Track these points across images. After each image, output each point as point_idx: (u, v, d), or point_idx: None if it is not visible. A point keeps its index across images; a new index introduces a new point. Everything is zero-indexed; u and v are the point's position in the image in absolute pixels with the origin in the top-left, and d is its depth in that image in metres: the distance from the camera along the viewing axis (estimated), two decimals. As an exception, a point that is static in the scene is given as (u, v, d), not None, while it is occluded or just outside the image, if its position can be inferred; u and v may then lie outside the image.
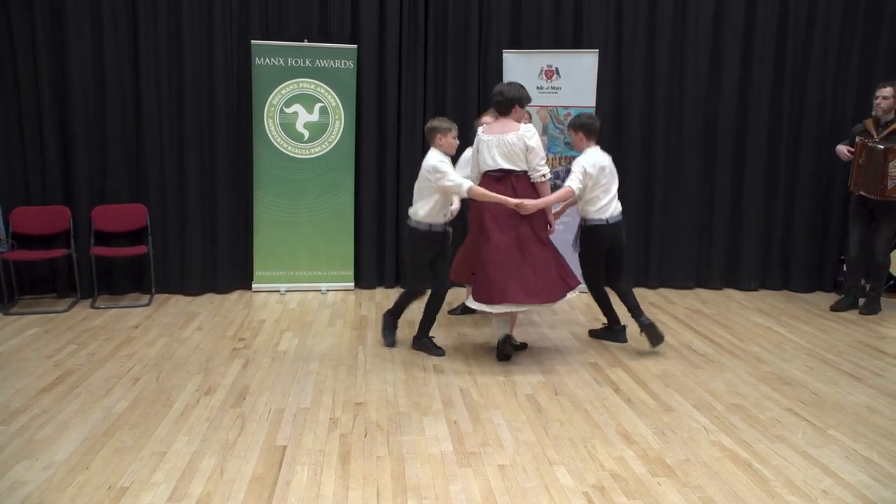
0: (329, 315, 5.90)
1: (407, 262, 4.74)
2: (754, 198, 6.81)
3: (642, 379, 4.56)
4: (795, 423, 3.93)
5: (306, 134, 6.50)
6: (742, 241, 6.88)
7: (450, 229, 4.88)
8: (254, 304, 6.19)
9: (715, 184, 6.82)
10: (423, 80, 6.61)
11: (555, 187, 4.90)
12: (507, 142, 4.53)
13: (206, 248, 6.46)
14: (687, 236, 6.86)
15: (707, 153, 6.80)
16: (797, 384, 4.52)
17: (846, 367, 4.83)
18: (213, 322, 5.66)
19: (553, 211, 4.82)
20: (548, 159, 5.33)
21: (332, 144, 6.54)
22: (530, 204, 4.49)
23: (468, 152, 5.20)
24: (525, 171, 4.60)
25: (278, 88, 6.39)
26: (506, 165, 4.57)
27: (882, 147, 5.76)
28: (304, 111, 6.46)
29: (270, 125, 6.42)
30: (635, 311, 4.98)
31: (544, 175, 4.59)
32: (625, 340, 5.22)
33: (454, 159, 4.88)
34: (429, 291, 4.92)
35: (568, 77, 6.43)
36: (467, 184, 4.50)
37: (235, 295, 6.50)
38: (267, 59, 6.33)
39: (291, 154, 6.48)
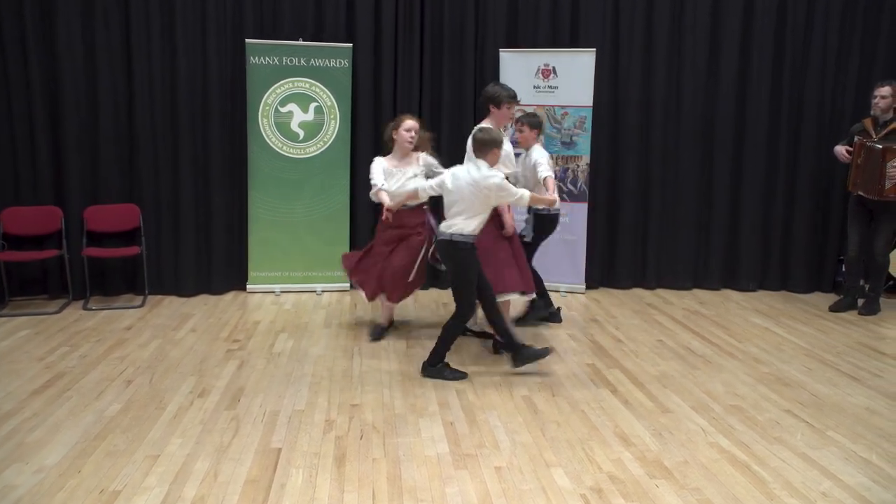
0: (324, 316, 5.86)
1: (455, 283, 4.48)
2: (753, 197, 6.79)
3: (640, 380, 4.53)
4: (794, 425, 3.92)
5: (301, 133, 6.46)
6: (740, 240, 6.86)
7: None
8: (248, 306, 6.15)
9: (713, 183, 6.80)
10: (418, 80, 6.58)
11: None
12: None
13: (200, 249, 6.42)
14: (685, 236, 6.84)
15: (705, 153, 6.78)
16: (796, 385, 4.49)
17: (845, 368, 4.81)
18: (207, 323, 5.62)
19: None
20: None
21: (328, 144, 6.50)
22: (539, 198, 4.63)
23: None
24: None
25: (273, 87, 6.35)
26: None
27: (880, 146, 5.74)
28: (298, 110, 6.42)
29: (265, 124, 6.38)
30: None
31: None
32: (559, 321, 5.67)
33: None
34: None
35: (565, 76, 6.40)
36: (527, 193, 4.44)
37: (230, 296, 6.45)
38: (261, 58, 6.29)
39: (286, 154, 6.45)
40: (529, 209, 5.29)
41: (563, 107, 6.43)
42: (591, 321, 5.77)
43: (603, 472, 3.36)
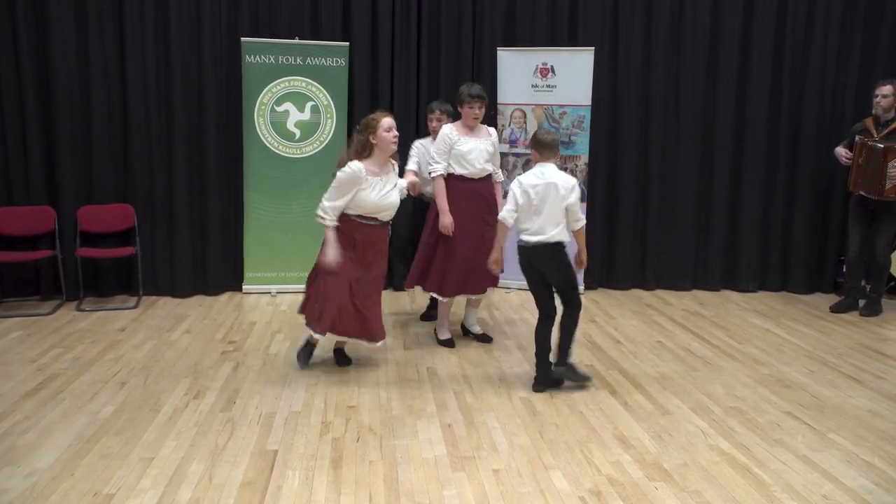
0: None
1: (563, 283, 4.33)
2: (753, 197, 6.76)
3: (639, 382, 4.50)
4: (795, 427, 3.89)
5: (297, 133, 6.42)
6: (740, 241, 6.83)
7: None
8: (244, 306, 6.11)
9: (713, 183, 6.77)
10: (416, 79, 6.55)
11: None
12: None
13: (196, 249, 6.37)
14: (684, 236, 6.81)
15: (705, 152, 6.75)
16: (797, 387, 4.46)
17: (847, 370, 4.78)
18: (202, 324, 5.57)
19: None
20: None
21: (324, 143, 6.46)
22: None
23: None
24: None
25: (269, 86, 6.31)
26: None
27: (882, 146, 5.72)
28: (295, 110, 6.38)
29: (261, 124, 6.34)
30: None
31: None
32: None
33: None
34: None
35: (563, 75, 6.37)
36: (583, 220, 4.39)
37: (225, 297, 6.41)
38: (257, 57, 6.24)
39: (282, 153, 6.41)
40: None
41: (561, 106, 6.40)
42: (590, 322, 5.74)
43: (602, 475, 3.33)
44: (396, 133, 4.39)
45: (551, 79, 6.41)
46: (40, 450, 3.48)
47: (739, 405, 4.16)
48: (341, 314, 4.39)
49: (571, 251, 4.29)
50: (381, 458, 3.45)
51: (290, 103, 6.37)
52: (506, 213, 4.25)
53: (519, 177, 4.28)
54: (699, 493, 3.18)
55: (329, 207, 4.29)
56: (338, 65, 6.37)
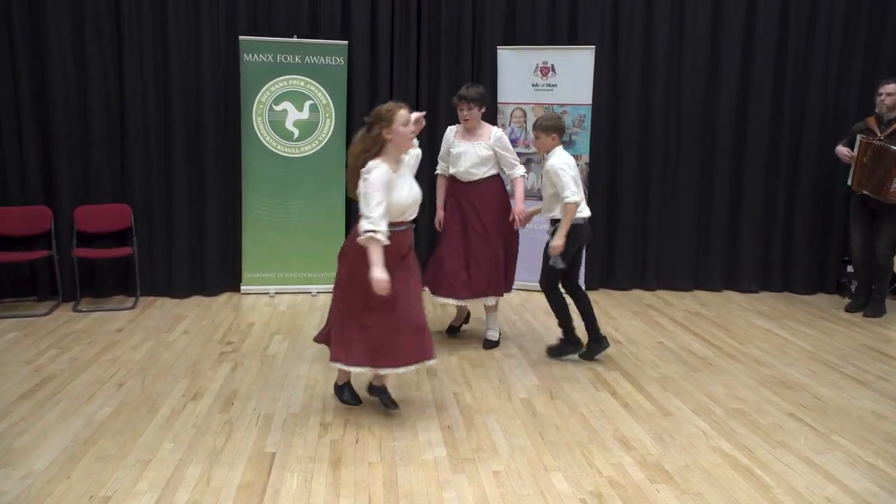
0: (319, 318, 5.78)
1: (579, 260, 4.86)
2: (754, 197, 6.74)
3: (640, 383, 4.47)
4: (798, 429, 3.86)
5: (296, 132, 6.39)
6: (741, 241, 6.80)
7: None
8: (242, 307, 6.08)
9: (714, 182, 6.74)
10: (415, 77, 6.52)
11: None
12: None
13: (194, 250, 6.34)
14: (685, 236, 6.78)
15: (706, 151, 6.73)
16: (799, 388, 4.44)
17: (850, 371, 4.75)
18: (200, 325, 5.54)
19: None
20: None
21: (323, 143, 6.44)
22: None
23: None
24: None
25: (267, 85, 6.28)
26: None
27: (895, 148, 5.67)
28: (293, 109, 6.35)
29: (259, 123, 6.31)
30: None
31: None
32: None
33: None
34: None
35: (564, 74, 6.35)
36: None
37: (223, 297, 6.38)
38: (255, 56, 6.21)
39: (281, 153, 6.38)
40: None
41: (561, 105, 6.37)
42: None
43: (603, 477, 3.31)
44: (414, 128, 3.83)
45: (552, 78, 6.38)
46: (36, 452, 3.45)
47: (741, 406, 4.13)
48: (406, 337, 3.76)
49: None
50: (381, 460, 3.43)
51: (289, 102, 6.35)
52: (571, 193, 4.43)
53: (555, 161, 4.49)
54: (701, 496, 3.16)
55: (377, 217, 3.58)
56: (337, 63, 6.34)
